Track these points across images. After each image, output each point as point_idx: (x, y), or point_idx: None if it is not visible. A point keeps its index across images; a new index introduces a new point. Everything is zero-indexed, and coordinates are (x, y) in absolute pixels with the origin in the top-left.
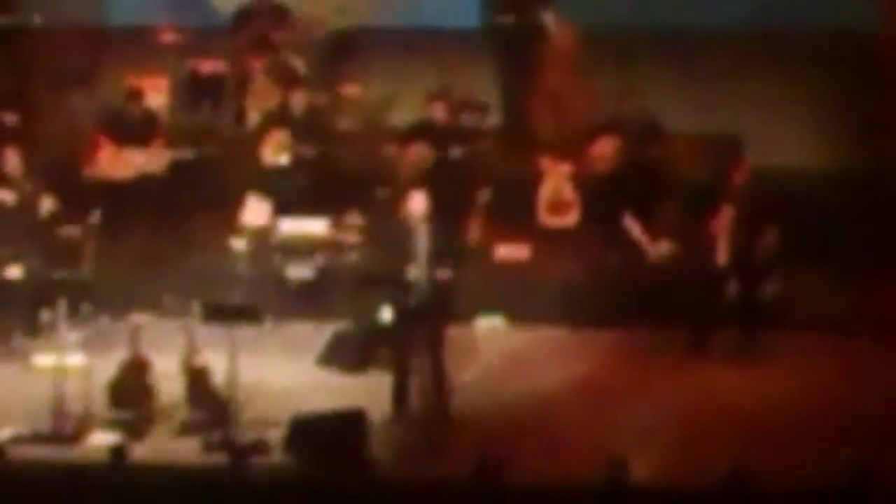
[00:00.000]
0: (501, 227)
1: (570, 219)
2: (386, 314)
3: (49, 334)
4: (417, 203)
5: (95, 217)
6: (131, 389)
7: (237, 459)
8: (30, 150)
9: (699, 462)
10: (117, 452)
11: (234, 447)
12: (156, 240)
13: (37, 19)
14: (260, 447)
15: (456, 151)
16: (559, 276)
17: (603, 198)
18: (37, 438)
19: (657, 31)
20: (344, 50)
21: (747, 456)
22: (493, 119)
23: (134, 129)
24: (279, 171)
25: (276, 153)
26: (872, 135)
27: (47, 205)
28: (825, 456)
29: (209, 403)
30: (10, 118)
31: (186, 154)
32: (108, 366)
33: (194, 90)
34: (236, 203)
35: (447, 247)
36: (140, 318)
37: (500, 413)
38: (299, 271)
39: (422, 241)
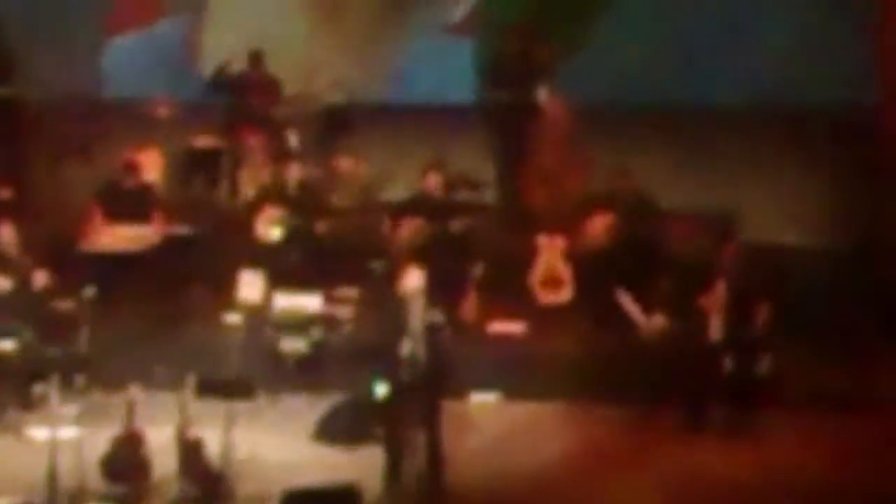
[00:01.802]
0: (495, 303)
1: (564, 294)
2: (380, 389)
3: (42, 408)
4: (412, 278)
5: (90, 291)
6: (125, 463)
7: None
8: (25, 223)
9: None
10: None
11: None
12: (150, 313)
13: (33, 92)
14: None
15: (451, 226)
16: (553, 352)
17: (596, 273)
18: None
19: (651, 108)
20: (338, 125)
21: None
22: (488, 194)
23: (130, 202)
24: (273, 246)
25: (269, 228)
26: (866, 212)
27: (41, 279)
28: None
29: (202, 478)
30: (6, 192)
31: (181, 228)
32: (101, 439)
33: (189, 164)
34: (230, 277)
35: (442, 321)
36: (134, 392)
37: (494, 489)
38: (294, 345)
39: (416, 315)
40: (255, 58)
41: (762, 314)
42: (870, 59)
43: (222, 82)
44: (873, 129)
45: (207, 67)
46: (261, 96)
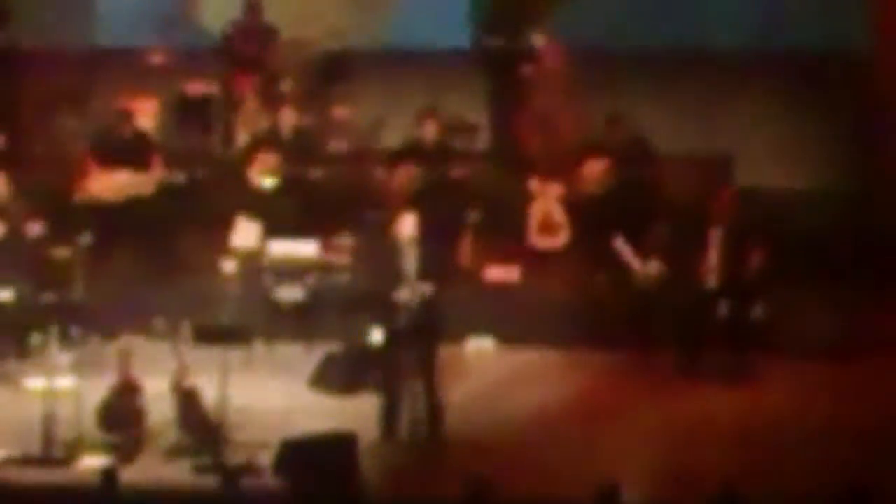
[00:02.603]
0: (491, 249)
1: (560, 240)
2: (376, 336)
3: (39, 357)
4: (407, 224)
5: (85, 239)
6: (121, 412)
7: (227, 482)
8: (18, 172)
9: (689, 484)
10: (107, 475)
11: (225, 470)
12: (146, 262)
13: (25, 40)
14: (250, 470)
15: (445, 172)
16: (549, 298)
17: (592, 219)
18: (27, 461)
19: (646, 52)
20: (334, 71)
21: (737, 478)
22: (483, 140)
23: (124, 150)
24: (268, 193)
25: (265, 175)
26: (861, 155)
27: (36, 228)
28: (815, 477)
29: (199, 426)
30: None
31: (176, 176)
32: (98, 388)
33: (183, 112)
34: (226, 225)
35: (436, 268)
36: (130, 341)
37: (490, 435)
38: (289, 293)
39: (411, 262)
40: (252, 5)
41: (756, 259)
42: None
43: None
44: (869, 70)
45: (202, 14)
46: (257, 43)
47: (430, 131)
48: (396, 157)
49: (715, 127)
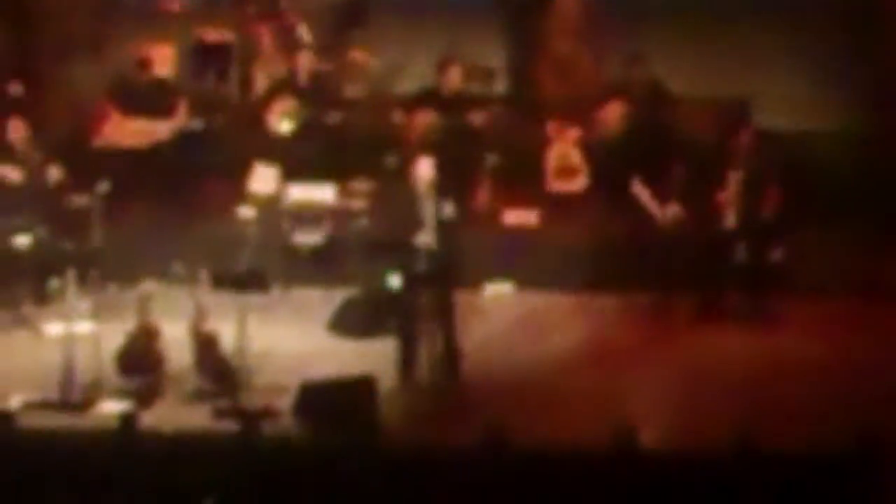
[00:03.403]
0: (509, 193)
1: (578, 184)
2: (394, 280)
3: (58, 303)
4: (425, 169)
5: (103, 186)
6: (140, 357)
7: (246, 426)
8: (36, 120)
9: (707, 426)
10: (126, 420)
11: (244, 414)
12: (164, 208)
13: None
14: (269, 413)
15: (463, 117)
16: (567, 241)
17: (610, 162)
18: (46, 406)
19: None
20: (351, 16)
21: (755, 420)
22: (501, 85)
23: (143, 98)
24: (286, 138)
25: (282, 120)
26: (879, 96)
27: (55, 174)
28: (833, 419)
29: (218, 370)
30: (16, 88)
31: (194, 122)
32: (116, 334)
33: (200, 58)
34: (244, 171)
35: (453, 215)
36: (149, 286)
37: (508, 379)
38: (307, 238)
39: (429, 206)
40: None
41: (772, 197)
42: None
43: None
44: (884, 10)
45: None
46: None
47: (452, 79)
48: (414, 103)
49: (733, 69)
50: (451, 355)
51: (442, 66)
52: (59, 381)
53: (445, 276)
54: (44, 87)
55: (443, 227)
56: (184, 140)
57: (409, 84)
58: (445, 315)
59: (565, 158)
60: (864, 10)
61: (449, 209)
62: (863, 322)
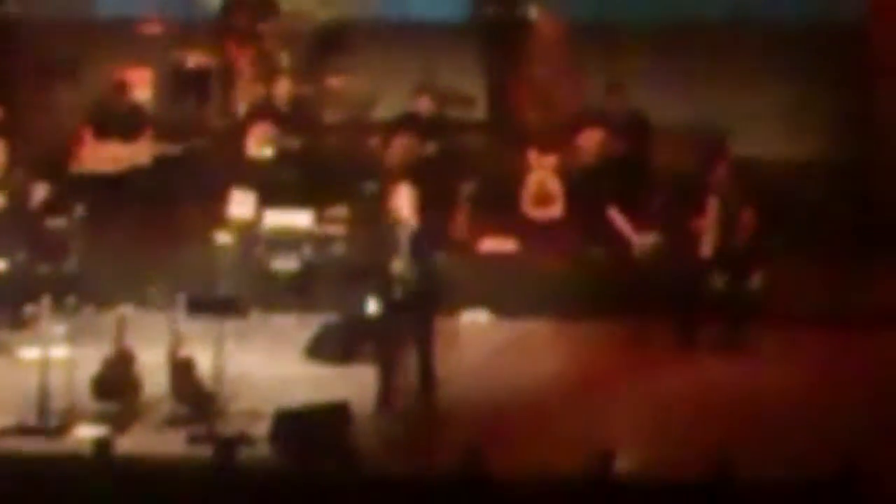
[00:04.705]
0: (486, 220)
1: (555, 211)
2: (371, 307)
3: (34, 327)
4: (402, 196)
5: (81, 210)
6: (116, 382)
7: (222, 452)
8: (16, 143)
9: (685, 454)
10: (102, 445)
11: (219, 440)
12: (141, 233)
13: (21, 10)
14: (245, 440)
15: (441, 144)
16: (544, 269)
17: (588, 190)
18: (22, 431)
19: (642, 23)
20: (329, 42)
21: (734, 448)
22: (479, 112)
23: (120, 122)
24: (264, 164)
25: (260, 145)
26: (855, 125)
27: (40, 193)
28: (812, 447)
29: (194, 396)
30: None
31: (172, 147)
32: (93, 359)
33: (179, 83)
34: (222, 196)
35: (432, 240)
36: (126, 311)
37: (485, 406)
38: (285, 263)
39: (406, 233)
40: None
41: (746, 220)
42: None
43: None
44: (863, 39)
45: None
46: (253, 13)
47: (425, 106)
48: (392, 129)
49: (710, 97)
50: (427, 382)
51: (414, 94)
52: (35, 405)
53: (423, 303)
54: (23, 111)
55: (421, 253)
56: (162, 164)
57: (387, 110)
58: (423, 342)
59: (543, 185)
60: (843, 38)
61: (426, 236)
62: (840, 349)
